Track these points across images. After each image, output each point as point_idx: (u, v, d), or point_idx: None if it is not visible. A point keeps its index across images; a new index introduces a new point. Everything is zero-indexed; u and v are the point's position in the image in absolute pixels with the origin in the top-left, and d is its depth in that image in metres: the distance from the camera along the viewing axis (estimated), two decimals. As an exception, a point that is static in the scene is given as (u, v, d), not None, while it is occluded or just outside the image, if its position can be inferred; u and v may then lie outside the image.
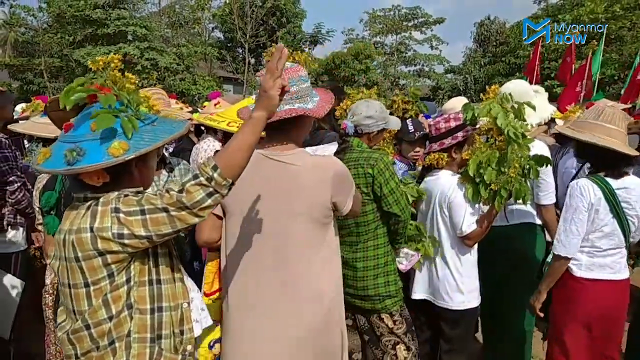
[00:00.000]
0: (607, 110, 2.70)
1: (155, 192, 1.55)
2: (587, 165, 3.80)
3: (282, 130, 1.97)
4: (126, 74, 1.69)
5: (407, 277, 3.10)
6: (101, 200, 1.57)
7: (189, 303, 1.76)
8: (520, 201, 2.83)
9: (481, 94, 2.84)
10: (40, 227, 3.53)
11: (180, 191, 1.50)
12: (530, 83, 6.85)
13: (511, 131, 2.62)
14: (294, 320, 1.98)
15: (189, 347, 1.74)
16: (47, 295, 3.24)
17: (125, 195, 1.58)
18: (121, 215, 1.51)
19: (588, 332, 2.73)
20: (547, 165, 2.82)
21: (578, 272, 2.72)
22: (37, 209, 3.39)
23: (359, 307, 2.77)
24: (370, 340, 2.84)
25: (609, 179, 2.64)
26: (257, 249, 1.97)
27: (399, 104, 3.92)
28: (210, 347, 2.15)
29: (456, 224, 2.85)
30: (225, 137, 3.09)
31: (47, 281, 3.25)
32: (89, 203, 1.59)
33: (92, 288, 1.57)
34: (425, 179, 3.08)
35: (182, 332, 1.72)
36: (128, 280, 1.61)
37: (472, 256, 2.95)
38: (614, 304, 2.71)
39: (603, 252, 2.69)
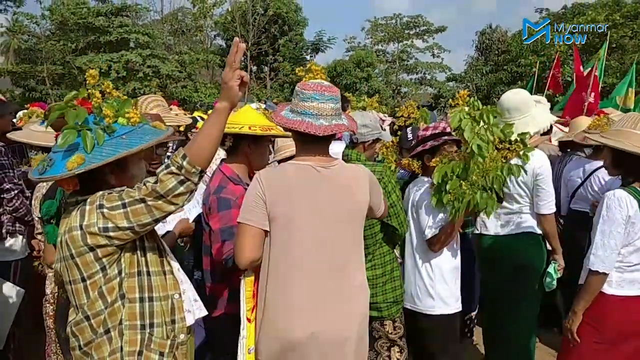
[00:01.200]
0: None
1: (134, 187, 1.68)
2: (600, 175, 3.81)
3: (325, 142, 2.09)
4: (94, 91, 1.79)
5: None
6: (88, 200, 1.70)
7: (180, 294, 1.88)
8: (516, 209, 2.76)
9: (450, 100, 2.82)
10: (39, 237, 3.52)
11: (155, 182, 1.63)
12: (554, 94, 6.79)
13: (475, 144, 2.56)
14: (348, 318, 2.11)
15: (182, 336, 1.86)
16: (47, 305, 3.23)
17: (109, 193, 1.71)
18: (105, 210, 1.65)
19: (618, 352, 2.59)
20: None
21: (609, 290, 2.56)
22: (36, 218, 3.38)
23: None
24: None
25: None
26: (312, 255, 2.05)
27: (403, 112, 3.94)
28: None
29: (421, 228, 2.91)
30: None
31: (48, 290, 3.24)
32: (79, 205, 1.72)
33: (88, 282, 1.71)
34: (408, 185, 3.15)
35: (173, 322, 1.84)
36: (119, 273, 1.74)
37: (447, 262, 2.94)
38: None
39: (632, 267, 2.56)
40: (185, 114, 6.03)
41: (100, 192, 1.71)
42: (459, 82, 31.69)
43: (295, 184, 2.04)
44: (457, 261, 3.00)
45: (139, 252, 1.79)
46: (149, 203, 1.64)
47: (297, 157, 2.12)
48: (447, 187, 2.65)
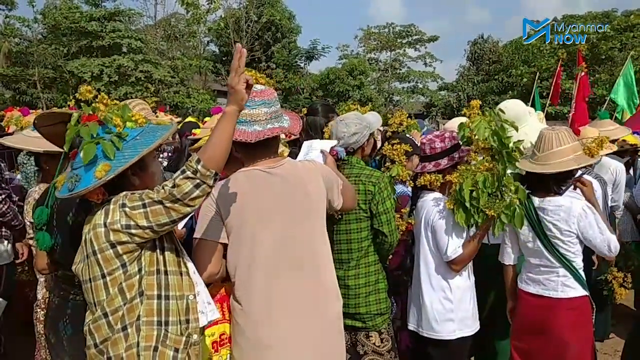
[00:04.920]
0: (540, 134, 2.85)
1: (154, 189, 1.79)
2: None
3: (266, 147, 2.14)
4: (98, 105, 1.89)
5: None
6: (112, 200, 1.82)
7: (195, 295, 1.94)
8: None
9: (464, 109, 2.79)
10: (31, 242, 3.49)
11: (173, 186, 1.72)
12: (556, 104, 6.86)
13: (509, 151, 2.57)
14: (322, 314, 2.14)
15: (195, 336, 1.92)
16: (38, 310, 3.19)
17: (132, 194, 1.82)
18: (127, 209, 1.76)
19: (526, 343, 2.88)
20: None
21: (520, 285, 2.93)
22: (28, 222, 3.35)
23: (347, 326, 2.72)
24: (352, 359, 2.81)
25: (533, 197, 2.79)
26: (273, 257, 2.08)
27: (395, 119, 3.92)
28: None
29: (441, 248, 2.78)
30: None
31: (39, 296, 3.20)
32: (104, 205, 1.82)
33: (108, 278, 1.79)
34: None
35: (187, 321, 1.90)
36: (140, 270, 1.82)
37: (465, 281, 2.85)
38: (544, 320, 2.77)
39: (535, 267, 2.84)
40: (173, 118, 6.01)
41: (124, 193, 1.82)
42: (450, 91, 31.91)
43: (247, 190, 2.09)
44: (472, 277, 2.92)
45: (158, 251, 1.88)
46: (167, 205, 1.73)
47: (246, 165, 2.16)
48: (481, 201, 2.58)
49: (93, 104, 1.89)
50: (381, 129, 5.02)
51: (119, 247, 1.77)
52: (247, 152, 2.15)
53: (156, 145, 1.84)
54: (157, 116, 5.56)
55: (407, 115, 4.09)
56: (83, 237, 1.84)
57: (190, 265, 2.01)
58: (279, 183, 2.12)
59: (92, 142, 1.78)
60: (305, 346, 2.09)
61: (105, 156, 1.78)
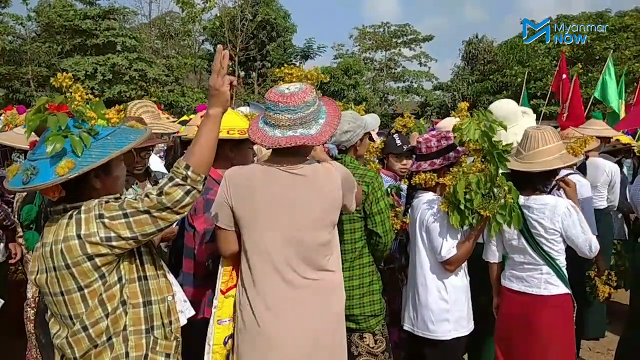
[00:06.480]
0: (525, 132, 2.88)
1: (135, 197, 1.68)
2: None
3: (289, 152, 2.06)
4: (73, 94, 1.81)
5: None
6: (83, 208, 1.67)
7: (173, 296, 1.91)
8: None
9: (452, 112, 2.79)
10: (20, 240, 3.47)
11: (160, 194, 1.64)
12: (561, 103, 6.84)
13: (498, 152, 2.57)
14: (326, 310, 2.14)
15: (179, 338, 1.91)
16: (28, 309, 3.18)
17: (106, 202, 1.69)
18: (105, 220, 1.64)
19: (508, 341, 2.88)
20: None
21: (504, 282, 2.95)
22: (17, 221, 3.33)
23: None
24: None
25: (520, 196, 2.77)
26: (284, 253, 2.06)
27: (399, 123, 3.91)
28: (225, 343, 2.21)
29: (435, 248, 2.77)
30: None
31: (29, 295, 3.18)
32: (69, 213, 1.68)
33: (86, 291, 1.67)
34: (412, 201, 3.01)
35: (170, 323, 1.87)
36: (120, 279, 1.73)
37: (460, 280, 2.85)
38: (527, 317, 2.78)
39: (519, 265, 2.85)
40: (169, 117, 5.96)
41: (97, 201, 1.70)
42: (445, 91, 31.96)
43: (261, 185, 2.06)
44: (468, 277, 2.92)
45: (136, 257, 1.81)
46: (154, 214, 1.65)
47: (269, 159, 2.15)
48: (474, 203, 2.58)
49: (67, 93, 1.78)
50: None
51: (97, 260, 1.66)
52: (274, 151, 2.11)
53: (127, 149, 1.72)
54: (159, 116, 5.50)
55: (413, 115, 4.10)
56: (45, 248, 1.69)
57: (165, 266, 1.97)
58: (295, 182, 2.07)
59: (59, 134, 1.63)
60: (309, 340, 2.08)
61: (72, 152, 1.64)
